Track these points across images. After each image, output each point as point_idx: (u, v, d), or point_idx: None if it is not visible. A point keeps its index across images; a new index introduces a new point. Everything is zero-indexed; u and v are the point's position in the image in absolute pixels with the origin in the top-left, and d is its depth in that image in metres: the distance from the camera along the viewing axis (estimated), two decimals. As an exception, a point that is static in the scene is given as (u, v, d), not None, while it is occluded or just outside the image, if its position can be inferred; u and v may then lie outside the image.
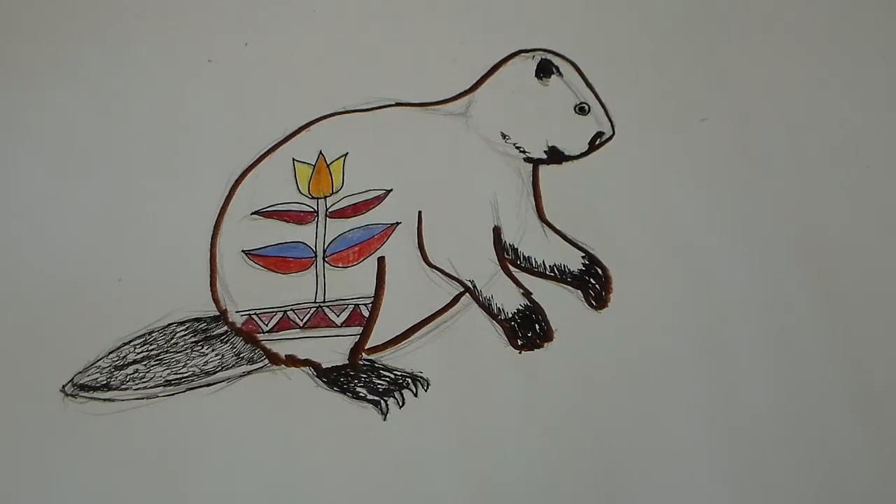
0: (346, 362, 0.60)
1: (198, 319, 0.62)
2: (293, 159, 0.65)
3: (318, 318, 0.61)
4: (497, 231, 0.63)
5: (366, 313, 0.61)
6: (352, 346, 0.61)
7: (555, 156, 0.64)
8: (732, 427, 0.57)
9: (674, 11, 0.70)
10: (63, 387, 0.60)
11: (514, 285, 0.62)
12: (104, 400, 0.60)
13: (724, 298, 0.61)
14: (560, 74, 0.65)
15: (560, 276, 0.62)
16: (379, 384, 0.60)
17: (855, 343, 0.59)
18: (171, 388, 0.60)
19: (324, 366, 0.60)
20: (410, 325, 0.61)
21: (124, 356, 0.61)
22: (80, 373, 0.60)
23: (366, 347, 0.61)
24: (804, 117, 0.66)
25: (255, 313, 0.61)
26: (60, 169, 0.67)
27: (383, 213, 0.63)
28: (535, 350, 0.60)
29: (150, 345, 0.61)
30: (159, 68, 0.70)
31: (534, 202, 0.64)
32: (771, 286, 0.61)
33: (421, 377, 0.60)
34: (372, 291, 0.61)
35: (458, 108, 0.66)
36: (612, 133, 0.65)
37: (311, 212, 0.63)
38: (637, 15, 0.71)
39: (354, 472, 0.57)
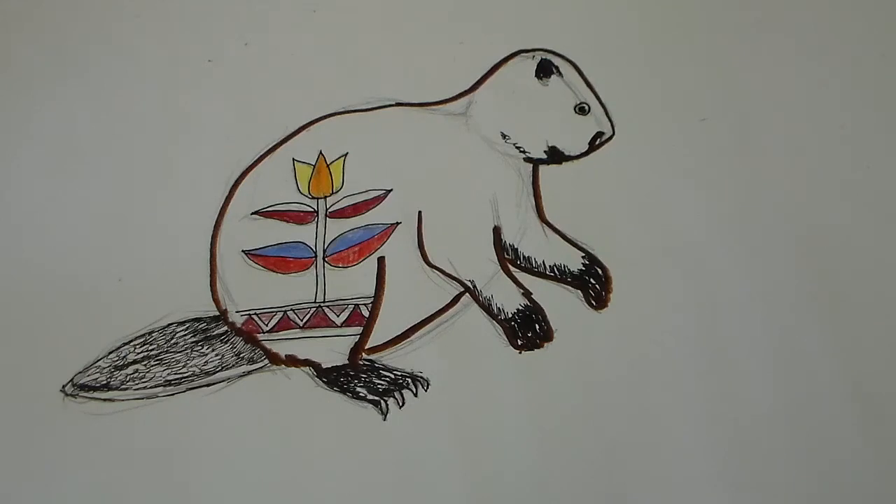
0: (346, 362, 0.60)
1: (198, 319, 0.62)
2: (293, 159, 0.65)
3: (318, 318, 0.61)
4: (497, 231, 0.63)
5: (366, 313, 0.61)
6: (352, 346, 0.61)
7: (555, 156, 0.64)
8: (732, 427, 0.57)
9: (673, 12, 0.70)
10: (63, 387, 0.60)
11: (514, 285, 0.62)
12: (104, 400, 0.60)
13: (724, 298, 0.61)
14: (560, 74, 0.65)
15: (560, 276, 0.62)
16: (379, 384, 0.60)
17: (855, 343, 0.59)
18: (171, 388, 0.60)
19: (324, 366, 0.60)
20: (410, 325, 0.61)
21: (124, 356, 0.61)
22: (80, 373, 0.60)
23: (366, 347, 0.61)
24: (804, 117, 0.66)
25: (255, 313, 0.61)
26: (60, 169, 0.67)
27: (383, 213, 0.63)
28: (535, 350, 0.60)
29: (150, 345, 0.61)
30: (159, 68, 0.70)
31: (534, 202, 0.64)
32: (771, 286, 0.61)
33: (421, 377, 0.60)
34: (372, 291, 0.61)
35: (458, 108, 0.66)
36: (612, 133, 0.65)
37: (311, 212, 0.63)
38: (637, 15, 0.71)
39: (354, 472, 0.57)
